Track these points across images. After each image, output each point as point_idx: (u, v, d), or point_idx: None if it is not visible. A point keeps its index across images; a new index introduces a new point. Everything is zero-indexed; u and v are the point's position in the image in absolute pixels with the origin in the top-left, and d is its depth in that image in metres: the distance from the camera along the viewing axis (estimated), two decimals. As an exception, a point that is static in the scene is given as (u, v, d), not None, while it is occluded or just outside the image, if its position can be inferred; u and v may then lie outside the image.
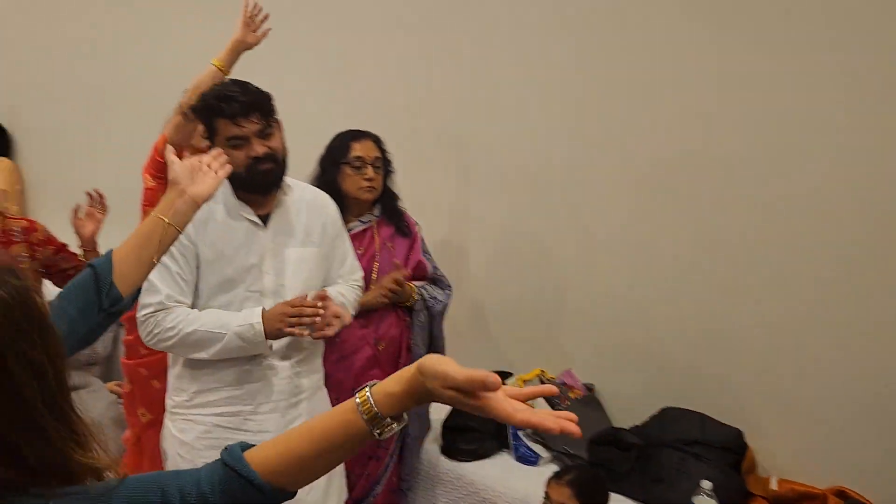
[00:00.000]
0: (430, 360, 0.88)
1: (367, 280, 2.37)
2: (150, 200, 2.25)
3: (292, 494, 0.90)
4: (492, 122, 3.01)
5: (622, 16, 2.62)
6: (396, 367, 2.44)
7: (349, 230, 2.37)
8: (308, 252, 1.98)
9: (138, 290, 1.30)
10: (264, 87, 1.90)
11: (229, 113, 1.79)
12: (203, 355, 1.84)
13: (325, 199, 2.11)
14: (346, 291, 2.09)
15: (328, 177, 2.35)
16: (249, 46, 2.33)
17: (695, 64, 2.48)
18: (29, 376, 0.77)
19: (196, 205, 1.39)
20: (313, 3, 3.45)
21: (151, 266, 1.30)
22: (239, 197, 1.90)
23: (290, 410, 1.98)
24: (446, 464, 2.63)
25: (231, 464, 0.87)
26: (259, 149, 1.82)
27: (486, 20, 2.96)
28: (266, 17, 2.35)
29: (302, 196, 2.02)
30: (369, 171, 2.36)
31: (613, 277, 2.79)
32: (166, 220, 1.32)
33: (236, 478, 0.86)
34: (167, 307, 1.82)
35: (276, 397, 1.95)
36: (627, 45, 2.62)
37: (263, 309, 1.84)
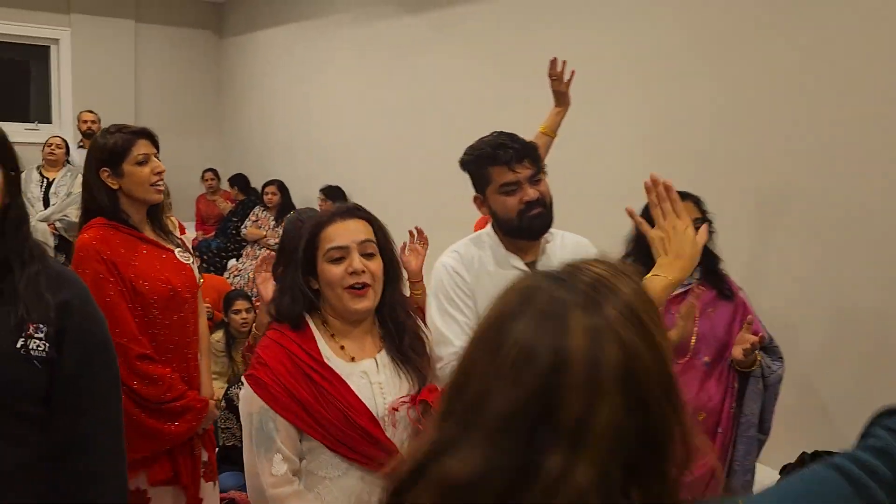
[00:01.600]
0: None
1: (685, 346, 2.26)
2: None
3: None
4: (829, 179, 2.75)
5: None
6: (713, 440, 2.30)
7: (667, 293, 2.30)
8: None
9: None
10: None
11: (505, 159, 1.85)
12: None
13: (587, 244, 2.08)
14: None
15: (644, 240, 2.31)
16: (566, 104, 2.49)
17: None
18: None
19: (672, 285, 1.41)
20: (626, 76, 3.54)
21: None
22: (506, 246, 1.95)
23: None
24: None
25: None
26: (532, 192, 1.86)
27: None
28: (564, 64, 2.46)
29: (563, 242, 2.01)
30: (688, 233, 2.27)
31: None
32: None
33: None
34: None
35: None
36: None
37: None
